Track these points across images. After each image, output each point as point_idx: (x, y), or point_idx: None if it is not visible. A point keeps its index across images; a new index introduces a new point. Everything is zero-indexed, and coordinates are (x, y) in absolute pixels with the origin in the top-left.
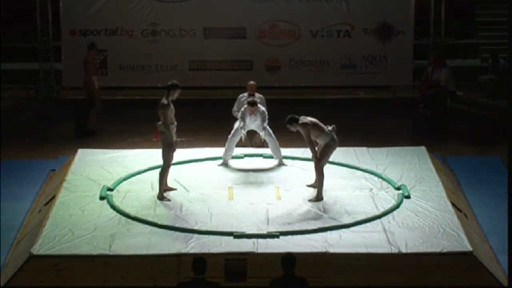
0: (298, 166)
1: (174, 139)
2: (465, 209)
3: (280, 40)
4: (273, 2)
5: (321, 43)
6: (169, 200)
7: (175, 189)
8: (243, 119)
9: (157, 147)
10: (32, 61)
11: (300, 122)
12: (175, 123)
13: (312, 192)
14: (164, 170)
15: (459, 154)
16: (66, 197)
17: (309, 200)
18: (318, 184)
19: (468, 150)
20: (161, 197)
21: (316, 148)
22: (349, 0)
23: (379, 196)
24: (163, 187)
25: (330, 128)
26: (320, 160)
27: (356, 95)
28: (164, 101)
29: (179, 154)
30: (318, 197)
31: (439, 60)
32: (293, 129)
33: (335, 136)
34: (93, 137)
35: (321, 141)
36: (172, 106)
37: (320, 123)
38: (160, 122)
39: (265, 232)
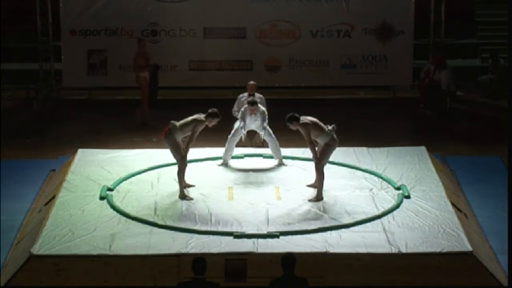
0: (298, 166)
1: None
2: (465, 209)
3: (280, 40)
4: (273, 2)
5: (321, 43)
6: (191, 198)
7: (194, 186)
8: (243, 119)
9: (157, 147)
10: (32, 61)
11: (300, 121)
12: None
13: (312, 192)
14: (180, 170)
15: (459, 154)
16: (66, 197)
17: (309, 200)
18: (318, 184)
19: (468, 150)
20: (182, 196)
21: (316, 148)
22: (349, 0)
23: (379, 196)
24: (183, 186)
25: (330, 127)
26: (320, 160)
27: (356, 95)
28: (202, 117)
29: None
30: (318, 197)
31: (439, 60)
32: (292, 127)
33: (335, 136)
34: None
35: (321, 141)
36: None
37: (320, 123)
38: (175, 122)
39: (265, 232)
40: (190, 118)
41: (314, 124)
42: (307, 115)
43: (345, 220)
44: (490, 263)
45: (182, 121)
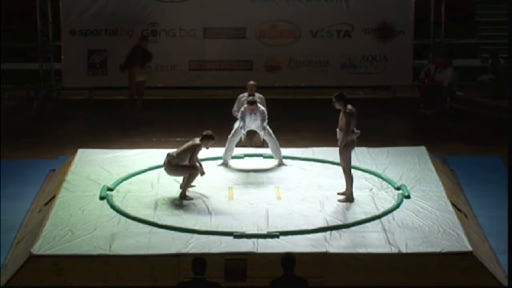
0: (298, 166)
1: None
2: (465, 209)
3: (280, 40)
4: (273, 2)
5: (321, 43)
6: (191, 198)
7: (194, 186)
8: (243, 118)
9: (157, 147)
10: (32, 61)
11: (348, 109)
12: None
13: (313, 192)
14: (191, 176)
15: (459, 154)
16: (66, 197)
17: (339, 201)
18: (347, 185)
19: (468, 150)
20: (182, 195)
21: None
22: (349, 0)
23: (379, 196)
24: (187, 188)
25: (356, 130)
26: (346, 164)
27: (356, 95)
28: (197, 141)
29: None
30: (349, 198)
31: (444, 59)
32: (337, 106)
33: (355, 138)
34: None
35: (342, 137)
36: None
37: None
38: (172, 153)
39: (265, 232)
40: (186, 145)
41: (354, 117)
42: (308, 115)
43: (345, 220)
44: (490, 263)
45: (179, 150)
